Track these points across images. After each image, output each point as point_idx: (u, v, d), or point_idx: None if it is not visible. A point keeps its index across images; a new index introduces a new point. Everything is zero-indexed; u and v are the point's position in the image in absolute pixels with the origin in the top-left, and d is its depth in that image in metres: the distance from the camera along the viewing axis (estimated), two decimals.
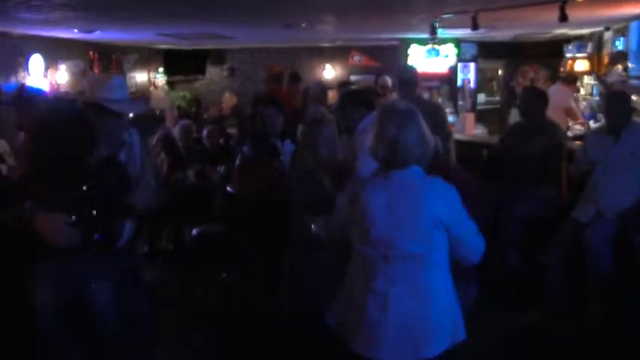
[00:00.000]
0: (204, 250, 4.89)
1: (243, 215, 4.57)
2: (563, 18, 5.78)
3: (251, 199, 4.38)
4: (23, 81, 8.32)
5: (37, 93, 4.07)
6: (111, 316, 3.16)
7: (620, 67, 7.79)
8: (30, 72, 8.46)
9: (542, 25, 8.41)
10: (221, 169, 5.85)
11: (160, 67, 12.91)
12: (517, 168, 5.24)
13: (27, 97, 3.89)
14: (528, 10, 6.51)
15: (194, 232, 4.86)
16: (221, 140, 7.13)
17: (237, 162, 4.67)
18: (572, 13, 5.81)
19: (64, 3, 5.60)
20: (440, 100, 9.96)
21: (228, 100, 13.03)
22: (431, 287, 2.63)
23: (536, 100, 5.35)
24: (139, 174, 3.42)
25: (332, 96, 11.48)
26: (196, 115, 12.10)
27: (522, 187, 5.11)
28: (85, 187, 3.01)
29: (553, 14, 6.12)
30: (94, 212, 3.01)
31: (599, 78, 8.85)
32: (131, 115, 3.54)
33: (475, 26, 6.56)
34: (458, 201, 2.66)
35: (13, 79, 8.19)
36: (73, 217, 2.92)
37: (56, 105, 3.52)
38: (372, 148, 2.67)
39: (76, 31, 8.18)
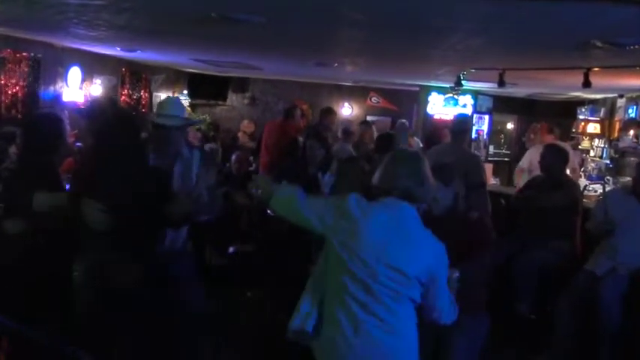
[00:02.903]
0: (237, 269, 5.14)
1: (278, 239, 4.84)
2: (587, 84, 6.14)
3: (289, 226, 4.65)
4: (62, 91, 8.68)
5: (104, 106, 4.43)
6: (129, 303, 3.47)
7: (632, 133, 8.17)
8: (68, 83, 8.80)
9: (562, 87, 8.81)
10: (257, 192, 6.11)
11: (184, 89, 13.27)
12: (534, 220, 5.55)
13: (95, 109, 4.24)
14: (553, 73, 6.91)
15: (230, 249, 5.13)
16: (252, 166, 7.41)
17: None
18: (592, 80, 6.18)
19: (123, 25, 5.96)
20: None
21: (247, 127, 13.41)
22: (405, 324, 2.75)
23: (557, 156, 5.66)
24: (192, 187, 3.76)
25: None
26: (214, 139, 12.43)
27: (537, 238, 5.39)
28: (125, 185, 3.42)
29: (574, 79, 6.50)
30: (127, 206, 3.39)
31: (610, 142, 9.22)
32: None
33: (502, 83, 6.93)
34: (446, 260, 2.75)
35: (51, 89, 8.53)
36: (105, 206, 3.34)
37: (117, 117, 3.89)
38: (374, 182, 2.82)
39: (118, 49, 8.55)
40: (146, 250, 3.56)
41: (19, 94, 7.78)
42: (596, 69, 6.01)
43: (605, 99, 10.12)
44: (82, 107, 5.08)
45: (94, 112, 4.32)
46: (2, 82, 7.49)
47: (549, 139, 7.56)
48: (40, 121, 4.08)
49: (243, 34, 5.77)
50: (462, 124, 6.34)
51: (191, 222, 3.81)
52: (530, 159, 7.54)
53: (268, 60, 9.16)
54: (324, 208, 2.83)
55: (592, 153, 9.95)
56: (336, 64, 8.45)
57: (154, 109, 3.87)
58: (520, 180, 7.57)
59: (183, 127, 3.86)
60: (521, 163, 8.03)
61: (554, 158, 5.65)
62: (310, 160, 5.17)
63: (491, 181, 7.71)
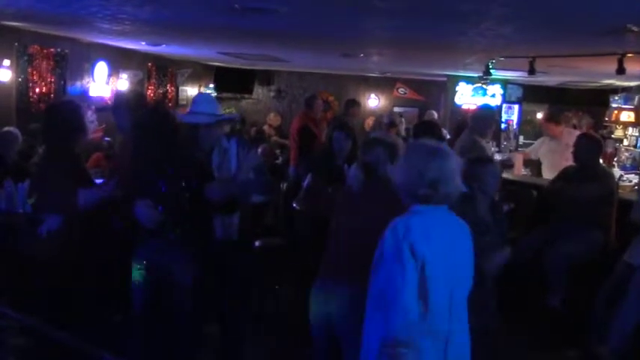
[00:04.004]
0: (264, 262, 5.10)
1: (304, 233, 4.78)
2: (621, 71, 5.95)
3: (314, 220, 4.59)
4: (88, 86, 8.72)
5: (135, 100, 4.42)
6: (188, 302, 3.50)
7: None
8: (94, 78, 8.83)
9: (595, 74, 8.59)
10: (283, 185, 6.08)
11: (211, 82, 13.28)
12: (567, 211, 5.39)
13: (129, 103, 4.22)
14: (585, 60, 6.71)
15: (256, 243, 5.08)
16: (279, 159, 7.37)
17: (306, 182, 4.88)
18: (626, 66, 5.98)
19: (147, 18, 5.94)
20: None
21: (273, 120, 13.38)
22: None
23: (591, 146, 5.49)
24: (233, 175, 3.75)
25: (368, 124, 11.81)
26: (240, 132, 12.43)
27: (570, 230, 5.24)
28: (168, 179, 3.47)
29: (608, 65, 6.31)
30: (173, 201, 3.45)
31: None
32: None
33: (532, 71, 6.76)
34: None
35: (78, 84, 8.57)
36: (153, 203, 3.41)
37: (151, 113, 3.85)
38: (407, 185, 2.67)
39: (143, 43, 8.56)
40: (201, 244, 3.58)
41: (47, 90, 7.83)
42: (631, 55, 5.82)
43: (639, 86, 9.85)
44: (109, 102, 5.12)
45: (121, 106, 4.28)
46: (30, 77, 7.54)
47: (551, 127, 7.29)
48: (57, 108, 4.07)
49: (268, 25, 5.71)
50: (495, 116, 6.16)
51: (243, 205, 3.84)
52: (538, 149, 7.41)
53: (293, 52, 9.09)
54: None
55: (625, 142, 9.69)
56: (362, 55, 8.35)
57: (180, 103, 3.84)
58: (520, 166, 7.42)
59: (215, 124, 3.79)
60: (529, 150, 7.86)
61: (587, 148, 5.48)
62: (337, 151, 5.09)
63: (522, 171, 7.51)
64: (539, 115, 12.90)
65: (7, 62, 7.02)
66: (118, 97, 4.84)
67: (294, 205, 4.91)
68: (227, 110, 13.43)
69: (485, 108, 6.78)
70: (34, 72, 7.60)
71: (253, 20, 5.34)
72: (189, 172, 3.56)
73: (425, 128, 4.82)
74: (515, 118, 11.74)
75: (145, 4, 5.02)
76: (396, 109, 12.94)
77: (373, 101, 13.56)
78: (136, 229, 3.46)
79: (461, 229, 2.74)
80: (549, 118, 7.45)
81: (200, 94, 4.50)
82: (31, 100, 7.57)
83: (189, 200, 3.49)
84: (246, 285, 4.03)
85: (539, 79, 10.22)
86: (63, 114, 3.90)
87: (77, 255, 3.61)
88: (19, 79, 7.37)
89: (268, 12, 4.81)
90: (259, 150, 7.76)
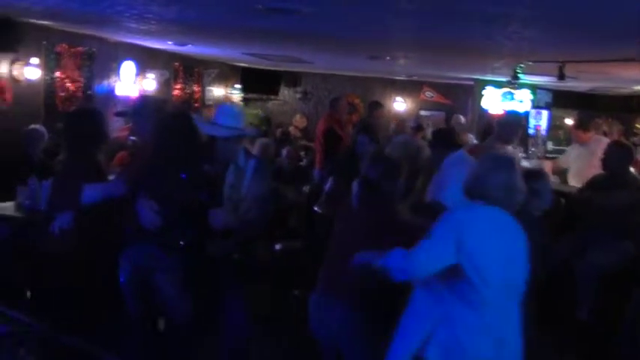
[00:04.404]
0: (284, 266, 5.06)
1: (324, 237, 4.71)
2: None
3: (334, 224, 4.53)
4: (115, 85, 8.77)
5: (157, 105, 4.41)
6: (178, 308, 3.49)
7: None
8: (121, 77, 8.89)
9: (627, 80, 8.41)
10: (306, 188, 6.03)
11: (237, 83, 13.30)
12: (596, 220, 5.26)
13: (146, 109, 4.21)
14: (617, 65, 6.57)
15: (276, 247, 5.05)
16: (303, 161, 7.32)
17: (328, 185, 4.84)
18: None
19: (172, 18, 5.94)
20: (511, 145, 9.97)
21: (299, 122, 13.35)
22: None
23: (622, 154, 5.37)
24: (241, 198, 3.70)
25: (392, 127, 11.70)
26: (266, 134, 12.43)
27: (600, 240, 5.12)
28: (178, 188, 3.44)
29: (638, 72, 6.17)
30: (177, 209, 3.41)
31: None
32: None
33: (561, 76, 6.64)
34: None
35: (105, 83, 8.63)
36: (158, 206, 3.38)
37: (176, 115, 3.84)
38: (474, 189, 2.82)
39: (170, 43, 8.59)
40: (192, 255, 3.52)
41: (74, 89, 7.89)
42: None
43: None
44: (129, 107, 5.10)
45: (141, 110, 4.26)
46: (58, 76, 7.61)
47: (580, 134, 7.13)
48: (77, 117, 4.03)
49: (291, 26, 5.68)
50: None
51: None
52: (569, 158, 7.24)
53: (318, 53, 9.05)
54: None
55: None
56: (388, 58, 8.27)
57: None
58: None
59: (234, 138, 3.73)
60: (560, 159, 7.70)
61: (617, 156, 5.35)
62: (360, 155, 5.00)
63: (550, 178, 7.36)
64: (569, 121, 12.72)
65: (35, 60, 7.09)
66: (139, 102, 4.81)
67: (316, 208, 4.86)
68: (253, 112, 13.45)
69: (511, 114, 6.66)
70: (62, 70, 7.67)
71: (277, 21, 5.31)
72: (202, 181, 3.53)
73: (441, 136, 4.76)
74: (543, 123, 11.55)
75: (170, 3, 5.02)
76: (423, 113, 12.82)
77: (399, 104, 13.44)
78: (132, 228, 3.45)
79: (517, 232, 2.82)
80: (578, 125, 7.33)
81: (224, 105, 4.48)
82: (59, 98, 7.64)
83: (195, 211, 3.44)
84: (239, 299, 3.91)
85: (569, 85, 10.03)
86: (83, 123, 3.86)
87: (87, 253, 3.60)
88: (47, 78, 7.44)
89: (291, 12, 4.78)
90: (284, 152, 7.73)
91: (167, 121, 3.67)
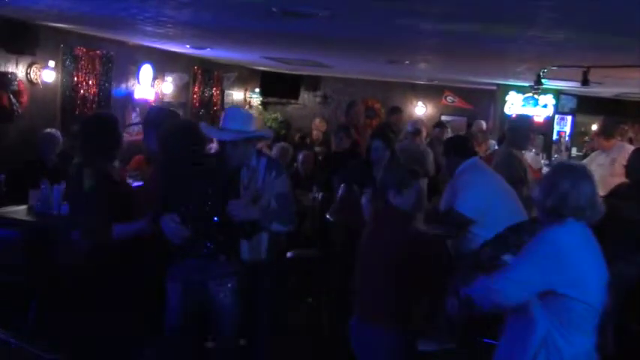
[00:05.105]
0: (297, 273, 4.97)
1: (337, 244, 4.62)
2: None
3: (349, 231, 4.43)
4: (133, 89, 8.76)
5: (165, 115, 4.34)
6: (232, 317, 3.48)
7: None
8: (140, 81, 8.87)
9: None
10: (319, 195, 5.92)
11: (257, 87, 13.26)
12: (620, 231, 5.07)
13: (156, 118, 4.16)
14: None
15: (289, 254, 4.95)
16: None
17: (340, 192, 4.73)
18: None
19: (187, 21, 5.89)
20: (533, 150, 9.79)
21: (319, 126, 13.26)
22: None
23: None
24: (258, 195, 3.64)
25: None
26: (285, 138, 12.35)
27: (625, 251, 4.93)
28: (196, 197, 3.42)
29: None
30: (200, 217, 3.38)
31: None
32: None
33: (585, 82, 6.46)
34: None
35: (123, 86, 8.61)
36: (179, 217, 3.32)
37: (179, 127, 3.76)
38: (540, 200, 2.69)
39: (188, 46, 8.55)
40: (235, 257, 3.55)
41: (92, 92, 7.87)
42: None
43: None
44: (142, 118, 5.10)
45: (150, 122, 4.22)
46: (76, 79, 7.59)
47: (601, 141, 6.93)
48: (92, 124, 3.94)
49: (308, 29, 5.59)
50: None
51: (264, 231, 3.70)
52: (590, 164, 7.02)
53: (336, 57, 8.96)
54: None
55: None
56: (407, 62, 8.14)
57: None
58: None
59: (243, 141, 3.67)
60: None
61: None
62: (375, 161, 4.89)
63: None
64: (595, 127, 12.47)
65: (52, 63, 7.08)
66: (149, 112, 4.75)
67: (328, 216, 4.75)
68: (272, 116, 13.39)
69: (519, 118, 6.54)
70: (80, 74, 7.65)
71: (293, 24, 5.23)
72: (218, 185, 3.48)
73: (455, 144, 4.64)
74: (567, 129, 11.35)
75: (183, 6, 4.95)
76: (444, 118, 12.65)
77: (420, 109, 13.29)
78: (170, 251, 3.41)
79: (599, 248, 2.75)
80: (600, 131, 7.14)
81: (230, 108, 4.47)
82: (76, 101, 7.62)
83: (218, 213, 3.41)
84: (268, 309, 3.89)
85: (594, 90, 9.82)
86: (98, 129, 3.79)
87: (108, 268, 3.52)
88: (64, 81, 7.43)
89: (307, 16, 4.68)
90: (300, 157, 7.63)
91: (169, 134, 3.60)
